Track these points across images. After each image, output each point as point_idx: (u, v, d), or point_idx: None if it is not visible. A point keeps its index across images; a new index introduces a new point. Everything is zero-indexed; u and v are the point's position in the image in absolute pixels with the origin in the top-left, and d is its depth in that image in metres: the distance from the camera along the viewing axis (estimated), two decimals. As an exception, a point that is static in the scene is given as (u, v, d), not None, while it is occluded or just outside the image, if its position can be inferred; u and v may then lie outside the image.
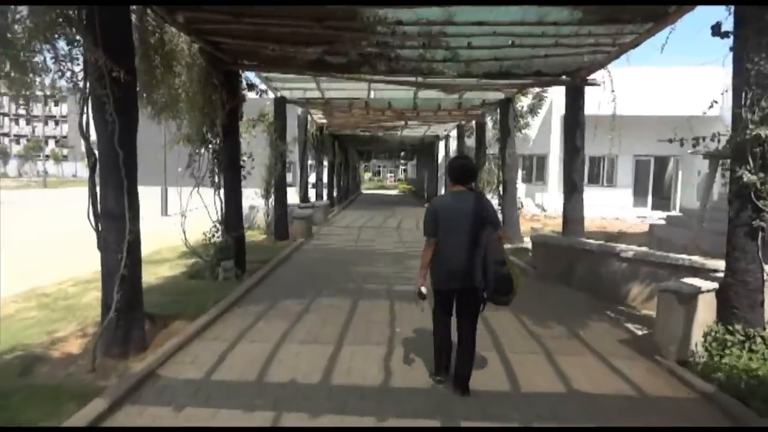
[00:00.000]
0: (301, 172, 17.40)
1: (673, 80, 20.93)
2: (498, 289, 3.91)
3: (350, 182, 36.93)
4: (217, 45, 7.90)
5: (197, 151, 8.73)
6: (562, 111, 22.57)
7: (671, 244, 10.82)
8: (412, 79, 8.81)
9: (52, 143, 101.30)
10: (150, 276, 8.57)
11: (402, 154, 48.82)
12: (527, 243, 12.70)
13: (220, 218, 9.00)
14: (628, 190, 24.54)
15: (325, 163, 25.21)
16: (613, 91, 8.09)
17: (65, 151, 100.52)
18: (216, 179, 9.05)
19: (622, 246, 7.45)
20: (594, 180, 24.65)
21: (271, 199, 13.40)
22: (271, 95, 13.25)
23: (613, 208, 22.87)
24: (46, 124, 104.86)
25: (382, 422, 3.77)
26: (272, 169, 13.12)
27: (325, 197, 23.78)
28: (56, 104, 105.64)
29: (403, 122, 20.35)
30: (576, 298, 7.53)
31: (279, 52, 7.88)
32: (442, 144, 27.55)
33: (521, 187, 25.91)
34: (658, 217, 21.73)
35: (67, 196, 31.75)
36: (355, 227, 16.62)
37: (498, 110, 13.58)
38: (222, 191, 9.02)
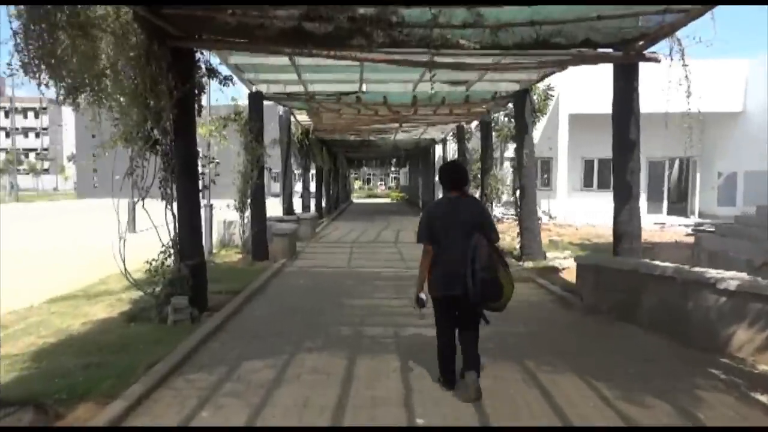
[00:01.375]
0: (285, 181, 15.34)
1: (690, 73, 19.10)
2: (486, 295, 3.89)
3: (340, 191, 34.88)
4: (157, 11, 5.86)
5: (142, 153, 6.67)
6: (571, 109, 20.81)
7: (727, 259, 8.87)
8: (421, 53, 6.77)
9: (32, 156, 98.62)
10: (78, 319, 6.49)
11: (394, 160, 46.90)
12: (552, 260, 10.72)
13: (173, 239, 6.93)
14: (642, 195, 22.62)
15: (313, 171, 23.17)
16: (686, 65, 6.12)
17: (46, 164, 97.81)
18: (169, 189, 7.01)
19: (715, 272, 5.45)
20: (603, 184, 22.73)
21: (248, 212, 11.33)
22: (245, 91, 11.22)
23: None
24: (26, 136, 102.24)
25: None
26: (247, 177, 11.06)
27: (313, 208, 21.72)
28: (36, 116, 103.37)
29: (397, 124, 18.39)
30: (652, 343, 5.52)
31: (241, 18, 5.85)
32: (438, 148, 25.60)
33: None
34: (679, 223, 19.91)
35: (24, 212, 29.48)
36: (347, 242, 14.55)
37: (512, 104, 11.59)
38: (175, 205, 6.96)
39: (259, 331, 5.93)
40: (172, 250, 6.88)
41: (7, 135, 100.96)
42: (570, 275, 9.31)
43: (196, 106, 7.44)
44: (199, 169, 7.52)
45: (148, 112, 6.49)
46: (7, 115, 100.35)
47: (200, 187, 7.42)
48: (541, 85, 17.48)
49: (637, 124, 6.97)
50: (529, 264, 10.57)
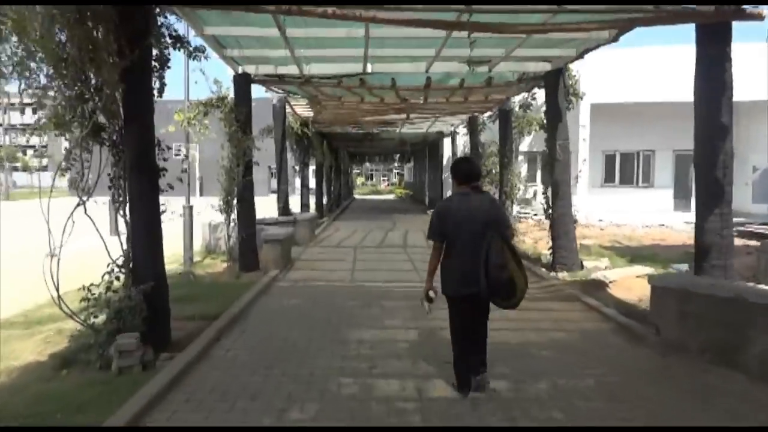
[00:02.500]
0: (280, 177, 13.71)
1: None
2: (499, 293, 3.83)
3: (342, 188, 33.26)
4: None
5: (81, 142, 5.07)
6: (593, 98, 19.16)
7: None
8: (447, 9, 5.11)
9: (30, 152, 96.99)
10: (-5, 363, 4.90)
11: (398, 156, 45.26)
12: (592, 271, 9.09)
13: (125, 254, 5.33)
14: (668, 191, 20.99)
15: (313, 166, 21.56)
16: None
17: (44, 161, 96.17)
18: (120, 190, 5.43)
19: None
20: (627, 180, 21.13)
21: (234, 215, 9.70)
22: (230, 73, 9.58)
23: (651, 213, 19.35)
24: (24, 132, 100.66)
25: None
26: (233, 173, 9.44)
27: (312, 206, 20.10)
28: (34, 113, 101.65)
29: (404, 115, 16.75)
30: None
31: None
32: (447, 142, 23.94)
33: (540, 190, 22.46)
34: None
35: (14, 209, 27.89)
36: (350, 247, 12.91)
37: (544, 87, 9.93)
38: (129, 209, 5.37)
39: (229, 388, 4.29)
40: (121, 270, 5.28)
41: (5, 131, 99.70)
42: (621, 291, 7.69)
43: (156, 83, 5.83)
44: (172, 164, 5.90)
45: (86, 88, 4.88)
46: (5, 112, 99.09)
47: (162, 186, 5.80)
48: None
49: (729, 105, 5.31)
50: (564, 275, 8.96)
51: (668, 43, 18.42)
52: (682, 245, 13.36)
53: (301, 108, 15.96)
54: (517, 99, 15.40)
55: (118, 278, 5.20)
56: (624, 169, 21.28)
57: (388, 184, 67.94)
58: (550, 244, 9.71)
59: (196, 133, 9.69)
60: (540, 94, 18.27)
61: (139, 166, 5.27)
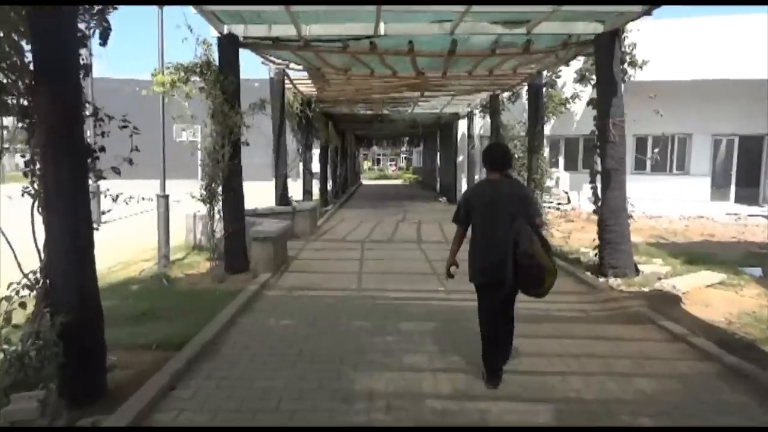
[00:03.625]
0: (278, 161, 12.07)
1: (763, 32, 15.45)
2: (527, 282, 3.78)
3: (348, 173, 31.59)
4: None
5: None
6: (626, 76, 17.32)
7: None
8: None
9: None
10: None
11: (406, 139, 43.46)
12: (650, 278, 7.46)
13: (41, 269, 3.77)
14: (705, 179, 19.18)
15: (316, 150, 19.91)
16: None
17: None
18: (33, 176, 3.87)
19: None
20: (660, 167, 19.32)
21: (219, 206, 8.10)
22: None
23: (686, 203, 17.62)
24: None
25: None
26: (217, 156, 7.83)
27: (316, 193, 18.50)
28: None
29: (418, 93, 15.07)
30: None
31: None
32: (462, 124, 22.18)
33: (564, 177, 20.73)
34: (755, 213, 16.50)
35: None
36: (357, 242, 11.29)
37: (594, 53, 8.22)
38: (44, 205, 3.79)
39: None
40: (32, 292, 3.71)
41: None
42: (698, 308, 6.09)
43: (91, 23, 4.19)
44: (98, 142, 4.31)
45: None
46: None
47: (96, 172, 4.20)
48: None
49: None
50: (617, 283, 7.34)
51: (711, 14, 16.40)
52: (738, 241, 11.70)
53: (304, 86, 14.31)
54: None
55: (22, 305, 3.63)
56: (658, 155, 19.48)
57: (396, 169, 66.08)
58: (598, 243, 8.07)
59: (177, 106, 8.03)
60: (566, 74, 16.64)
61: (56, 145, 3.66)
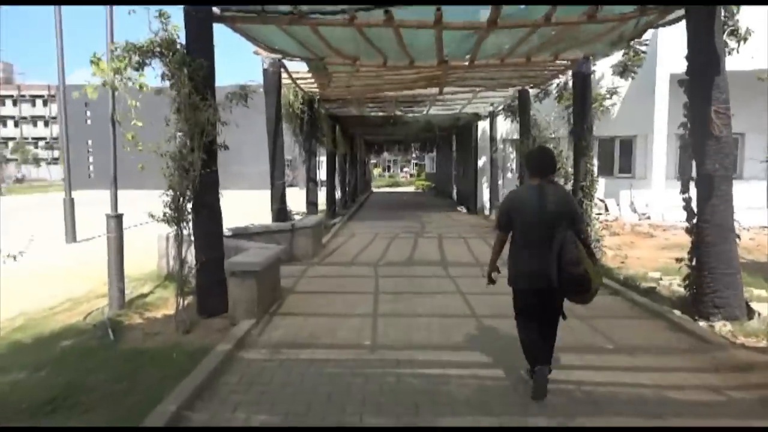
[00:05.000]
0: (274, 169, 10.15)
1: None
2: (572, 290, 3.76)
3: (358, 180, 29.66)
4: None
5: None
6: (672, 68, 15.15)
7: None
8: None
9: (42, 144, 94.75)
10: None
11: (418, 145, 41.48)
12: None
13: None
14: (761, 184, 16.93)
15: (322, 157, 18.06)
16: None
17: (56, 153, 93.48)
18: None
19: None
20: (708, 169, 17.10)
21: (189, 228, 6.15)
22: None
23: (739, 211, 15.38)
24: (34, 125, 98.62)
25: None
26: (185, 162, 5.90)
27: (322, 203, 16.59)
28: (45, 104, 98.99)
29: (437, 89, 13.14)
30: None
31: None
32: (483, 126, 20.18)
33: (599, 183, 18.59)
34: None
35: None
36: (369, 265, 9.28)
37: (686, 23, 6.19)
38: None
39: None
40: None
41: (16, 124, 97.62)
42: None
43: None
44: None
45: None
46: (15, 104, 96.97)
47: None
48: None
49: None
50: (726, 329, 5.31)
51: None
52: None
53: (305, 83, 12.41)
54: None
55: None
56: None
57: (410, 176, 63.93)
58: (693, 267, 6.03)
59: (126, 92, 6.07)
60: (601, 66, 14.60)
61: None
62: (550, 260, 3.66)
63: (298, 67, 11.19)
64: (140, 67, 5.93)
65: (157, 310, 6.46)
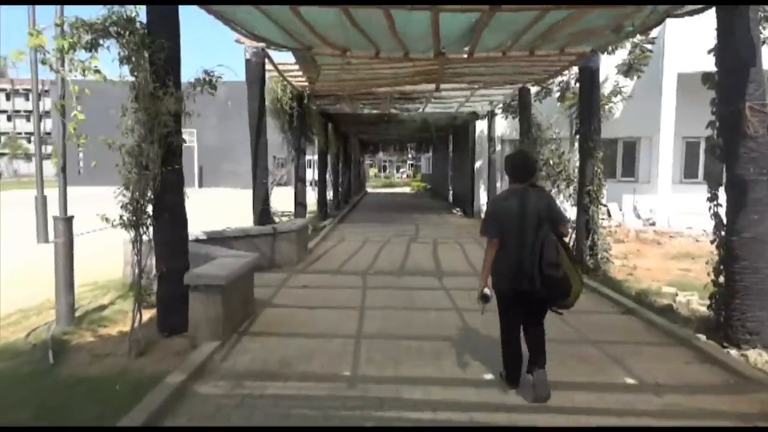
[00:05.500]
0: (256, 168, 9.39)
1: None
2: (553, 292, 3.70)
3: (352, 181, 28.90)
4: None
5: None
6: (680, 67, 14.36)
7: None
8: None
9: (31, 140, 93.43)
10: None
11: (414, 144, 40.77)
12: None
13: None
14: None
15: (310, 155, 17.31)
16: None
17: (49, 149, 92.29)
18: None
19: None
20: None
21: (150, 233, 5.40)
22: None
23: None
24: (28, 120, 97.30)
25: None
26: (143, 158, 5.15)
27: (313, 204, 15.84)
28: (39, 98, 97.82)
29: (433, 86, 12.41)
30: None
31: None
32: (481, 125, 19.47)
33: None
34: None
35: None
36: (357, 274, 8.54)
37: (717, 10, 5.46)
38: None
39: None
40: None
41: (9, 119, 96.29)
42: None
43: None
44: None
45: None
46: (8, 98, 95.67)
47: None
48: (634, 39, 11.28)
49: None
50: (761, 360, 4.60)
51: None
52: None
53: (293, 76, 11.66)
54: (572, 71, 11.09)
55: None
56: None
57: (406, 176, 63.10)
58: (725, 287, 5.30)
59: (71, 76, 5.30)
60: (605, 67, 13.94)
61: None
62: (531, 262, 3.68)
63: (285, 60, 10.45)
64: (92, 47, 5.18)
65: (113, 326, 5.69)
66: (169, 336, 5.27)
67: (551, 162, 13.31)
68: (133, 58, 5.16)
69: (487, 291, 3.88)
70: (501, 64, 10.12)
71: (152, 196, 5.30)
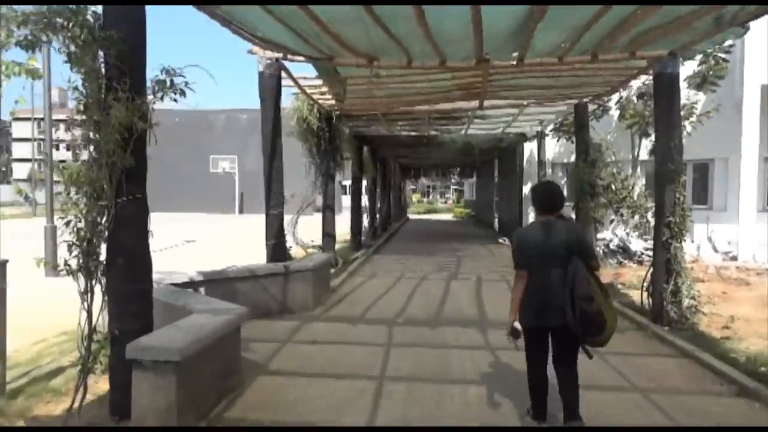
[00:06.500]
0: (269, 192, 8.16)
1: None
2: (587, 328, 3.49)
3: (392, 207, 27.59)
4: None
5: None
6: (764, 78, 12.26)
7: None
8: None
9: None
10: None
11: (458, 170, 39.28)
12: None
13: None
14: None
15: (343, 179, 16.08)
16: None
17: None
18: None
19: None
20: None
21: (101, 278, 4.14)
22: None
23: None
24: (56, 148, 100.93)
25: None
26: (91, 186, 3.93)
27: (346, 234, 14.55)
28: (68, 129, 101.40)
29: (476, 102, 11.01)
30: None
31: None
32: (529, 147, 17.90)
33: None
34: None
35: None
36: (382, 325, 7.03)
37: None
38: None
39: None
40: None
41: (68, 148, 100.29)
42: None
43: None
44: None
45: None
46: (68, 129, 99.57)
47: None
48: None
49: None
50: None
51: None
52: None
53: (317, 93, 10.50)
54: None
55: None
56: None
57: (451, 203, 61.26)
58: None
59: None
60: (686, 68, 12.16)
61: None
62: (561, 296, 3.54)
63: (306, 74, 9.31)
64: (31, 45, 4.04)
65: (59, 401, 4.43)
66: (120, 421, 3.97)
67: (613, 187, 11.62)
68: (75, 56, 3.99)
69: (517, 325, 3.69)
70: (555, 74, 8.69)
71: (103, 232, 4.08)
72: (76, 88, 3.97)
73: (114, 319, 4.13)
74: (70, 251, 4.06)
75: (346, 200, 31.48)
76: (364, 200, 18.78)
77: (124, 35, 4.00)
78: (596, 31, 6.27)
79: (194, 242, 18.82)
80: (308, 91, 10.18)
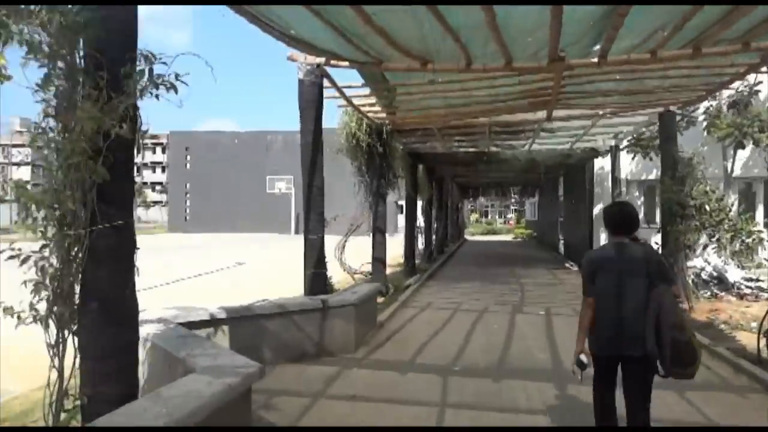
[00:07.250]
0: (308, 214, 7.23)
1: None
2: (676, 360, 3.20)
3: (450, 228, 26.34)
4: None
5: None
6: None
7: None
8: None
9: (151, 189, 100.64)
10: None
11: (518, 189, 37.51)
12: None
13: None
14: None
15: (399, 199, 15.08)
16: None
17: (165, 197, 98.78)
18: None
19: None
20: None
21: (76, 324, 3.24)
22: None
23: None
24: (153, 171, 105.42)
25: None
26: (66, 212, 3.05)
27: (399, 257, 13.47)
28: (163, 151, 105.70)
29: (543, 112, 9.79)
30: None
31: None
32: (600, 164, 16.33)
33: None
34: None
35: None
36: (435, 374, 5.84)
37: None
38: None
39: None
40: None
41: (138, 170, 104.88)
42: None
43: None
44: None
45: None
46: (164, 150, 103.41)
47: None
48: None
49: None
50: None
51: None
52: None
53: (365, 104, 9.59)
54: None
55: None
56: None
57: (512, 223, 58.98)
58: None
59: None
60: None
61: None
62: (640, 324, 3.27)
63: (352, 82, 8.40)
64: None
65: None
66: None
67: (706, 208, 10.02)
68: (55, 47, 3.15)
69: (583, 357, 3.43)
70: (641, 75, 7.38)
71: (76, 272, 3.20)
72: (40, 86, 3.12)
73: (87, 382, 3.21)
74: (37, 292, 3.20)
75: (402, 220, 30.69)
76: (420, 221, 17.72)
77: (103, 16, 3.14)
78: (706, 14, 5.00)
79: (244, 264, 18.30)
80: (355, 102, 9.27)
